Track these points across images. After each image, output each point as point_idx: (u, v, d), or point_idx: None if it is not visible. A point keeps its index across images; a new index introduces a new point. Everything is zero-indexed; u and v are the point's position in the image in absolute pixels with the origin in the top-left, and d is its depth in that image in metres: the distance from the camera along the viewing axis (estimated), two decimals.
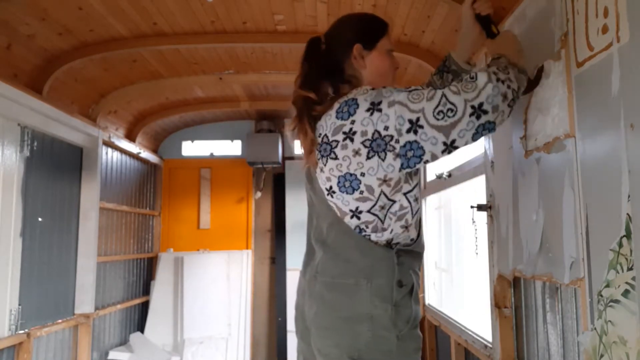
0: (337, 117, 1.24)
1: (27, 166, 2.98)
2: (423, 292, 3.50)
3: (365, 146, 1.19)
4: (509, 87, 1.19)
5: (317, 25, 2.82)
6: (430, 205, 3.58)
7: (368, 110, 1.20)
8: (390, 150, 1.18)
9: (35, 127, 3.03)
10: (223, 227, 5.10)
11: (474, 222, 2.22)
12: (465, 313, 2.89)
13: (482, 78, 1.17)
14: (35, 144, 3.08)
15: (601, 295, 1.23)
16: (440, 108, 1.15)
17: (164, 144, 5.19)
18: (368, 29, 1.40)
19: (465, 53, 1.59)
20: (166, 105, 4.43)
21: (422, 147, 1.17)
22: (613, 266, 1.17)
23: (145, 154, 4.68)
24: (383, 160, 1.19)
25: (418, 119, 1.16)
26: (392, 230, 1.26)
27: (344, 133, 1.21)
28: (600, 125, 1.23)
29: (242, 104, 4.48)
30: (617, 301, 1.16)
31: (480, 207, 2.14)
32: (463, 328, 2.62)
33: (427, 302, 3.48)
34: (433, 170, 3.37)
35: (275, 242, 5.25)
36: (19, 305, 2.89)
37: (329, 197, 1.30)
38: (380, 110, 1.19)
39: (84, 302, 3.53)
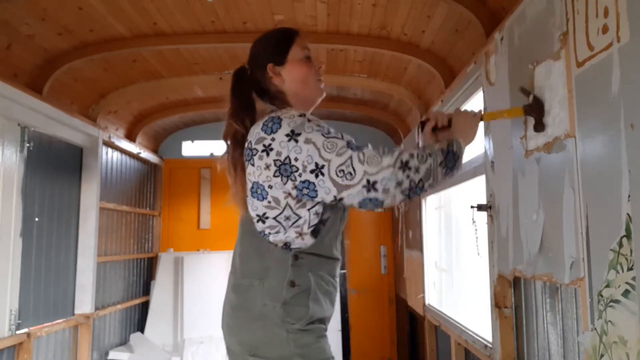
0: (261, 129, 1.33)
1: (27, 166, 2.98)
2: (423, 292, 3.50)
3: (275, 165, 1.29)
4: (408, 176, 1.25)
5: (317, 25, 2.82)
6: (430, 205, 3.58)
7: (287, 135, 1.29)
8: (292, 180, 1.28)
9: (35, 127, 3.03)
10: (223, 227, 5.09)
11: (474, 222, 2.22)
12: (465, 313, 2.88)
13: (387, 160, 1.25)
14: (36, 144, 3.07)
15: (601, 295, 1.23)
16: (343, 167, 1.25)
17: (164, 144, 5.19)
18: (274, 46, 1.49)
19: None
20: (166, 105, 4.43)
21: (316, 190, 1.27)
22: (613, 266, 1.17)
23: (145, 154, 4.68)
24: (284, 184, 1.30)
25: (323, 166, 1.26)
26: (286, 233, 1.34)
27: (264, 146, 1.31)
28: (600, 125, 1.23)
29: None
30: (617, 301, 1.16)
31: (480, 207, 2.14)
32: (463, 328, 2.62)
33: (427, 302, 3.48)
34: None
35: None
36: (19, 305, 2.89)
37: (247, 199, 1.39)
38: (296, 141, 1.28)
39: (84, 302, 3.53)
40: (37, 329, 3.02)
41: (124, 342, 4.31)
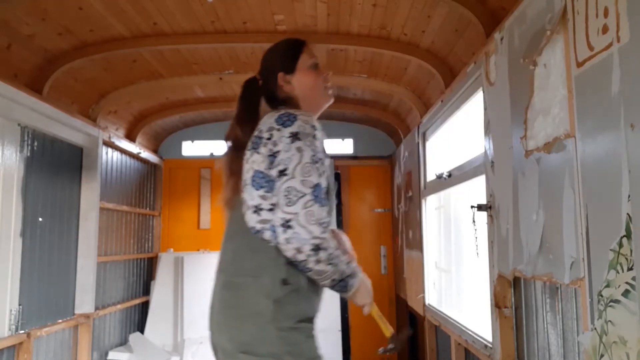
0: (275, 120, 1.39)
1: (27, 166, 2.98)
2: (423, 292, 3.50)
3: (268, 156, 1.35)
4: (308, 255, 1.29)
5: (317, 25, 2.82)
6: (430, 205, 3.58)
7: (292, 134, 1.34)
8: (272, 169, 1.35)
9: (36, 127, 3.03)
10: (223, 227, 5.09)
11: (474, 222, 2.22)
12: (465, 313, 2.88)
13: (316, 228, 1.28)
14: (36, 144, 3.08)
15: (601, 295, 1.23)
16: (294, 192, 1.29)
17: (164, 144, 5.19)
18: (284, 56, 1.59)
19: None
20: (166, 105, 4.43)
21: (273, 187, 1.34)
22: (613, 266, 1.17)
23: (145, 154, 4.67)
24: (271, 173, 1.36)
25: (286, 176, 1.31)
26: None
27: (270, 135, 1.37)
28: (600, 125, 1.23)
29: None
30: (617, 301, 1.16)
31: (480, 207, 2.14)
32: (463, 328, 2.62)
33: (427, 302, 3.48)
34: (433, 170, 3.37)
35: None
36: (19, 305, 2.89)
37: (243, 190, 1.41)
38: (292, 142, 1.33)
39: (84, 302, 3.53)
40: (37, 329, 3.02)
41: (124, 342, 4.30)
